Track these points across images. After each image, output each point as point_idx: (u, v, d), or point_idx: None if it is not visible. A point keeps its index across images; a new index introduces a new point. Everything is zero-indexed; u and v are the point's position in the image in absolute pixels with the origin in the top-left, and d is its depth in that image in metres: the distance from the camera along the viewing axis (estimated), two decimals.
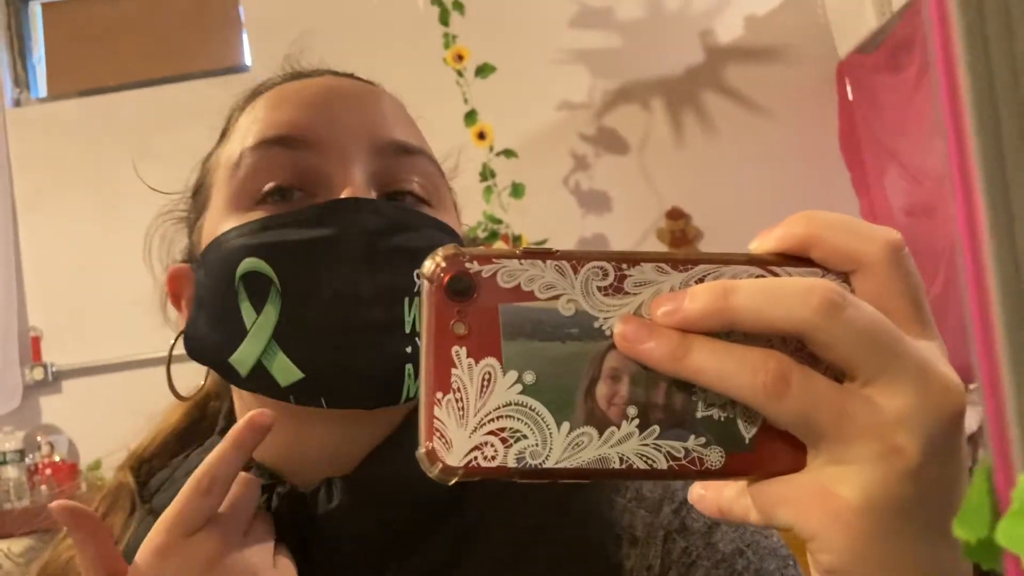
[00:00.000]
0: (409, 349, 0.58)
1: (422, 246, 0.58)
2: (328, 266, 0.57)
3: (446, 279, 0.32)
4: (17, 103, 3.23)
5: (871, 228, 0.33)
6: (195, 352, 0.64)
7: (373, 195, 0.60)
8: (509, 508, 0.61)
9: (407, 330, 0.58)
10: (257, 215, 0.60)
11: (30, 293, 3.04)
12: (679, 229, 2.95)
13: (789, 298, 0.30)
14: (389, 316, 0.57)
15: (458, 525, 0.62)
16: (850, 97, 2.93)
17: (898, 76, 2.60)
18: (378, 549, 0.59)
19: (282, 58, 0.71)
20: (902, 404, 0.30)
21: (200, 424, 0.74)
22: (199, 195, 0.68)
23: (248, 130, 0.62)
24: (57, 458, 2.81)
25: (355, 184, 0.59)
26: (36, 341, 3.01)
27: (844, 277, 0.33)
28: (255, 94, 0.66)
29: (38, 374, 2.96)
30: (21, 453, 2.80)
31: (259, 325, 0.58)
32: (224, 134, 0.68)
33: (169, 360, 0.68)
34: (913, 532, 0.31)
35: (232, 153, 0.63)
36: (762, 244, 0.34)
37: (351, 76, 0.68)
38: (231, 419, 0.68)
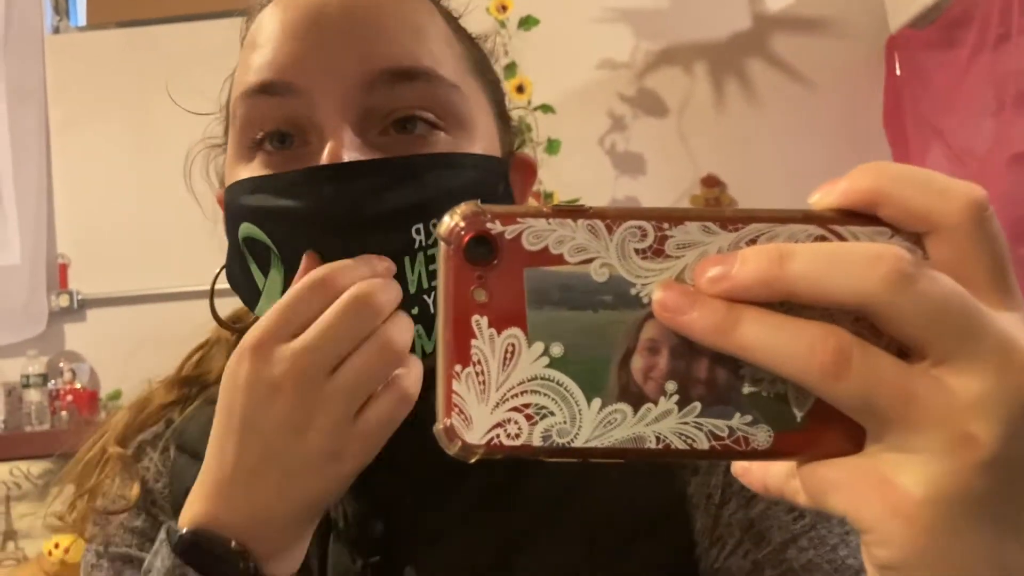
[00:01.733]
0: (416, 310, 0.55)
1: (418, 199, 0.56)
2: (315, 238, 0.55)
3: (465, 240, 0.29)
4: (56, 30, 3.22)
5: (950, 183, 0.29)
6: (232, 287, 0.65)
7: (358, 143, 0.56)
8: None
9: (411, 290, 0.55)
10: (260, 167, 0.58)
11: (60, 220, 3.05)
12: (713, 197, 2.91)
13: (854, 267, 0.27)
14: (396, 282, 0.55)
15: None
16: (898, 73, 2.86)
17: (950, 53, 2.53)
18: (433, 475, 0.58)
19: None
20: (978, 387, 0.27)
21: (186, 401, 0.75)
22: (226, 120, 0.68)
23: (244, 65, 0.60)
24: (78, 385, 2.84)
25: (337, 137, 0.55)
26: (63, 268, 3.02)
27: (917, 239, 0.29)
28: (261, 5, 0.64)
29: (64, 301, 2.97)
30: (44, 378, 2.83)
31: (268, 287, 0.58)
32: (242, 41, 0.66)
33: (214, 284, 0.68)
34: (982, 529, 0.28)
35: (236, 85, 0.61)
36: (824, 198, 0.30)
37: None
38: None
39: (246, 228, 0.58)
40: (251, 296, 0.61)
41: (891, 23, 2.92)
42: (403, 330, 0.50)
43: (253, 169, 0.59)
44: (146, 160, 2.95)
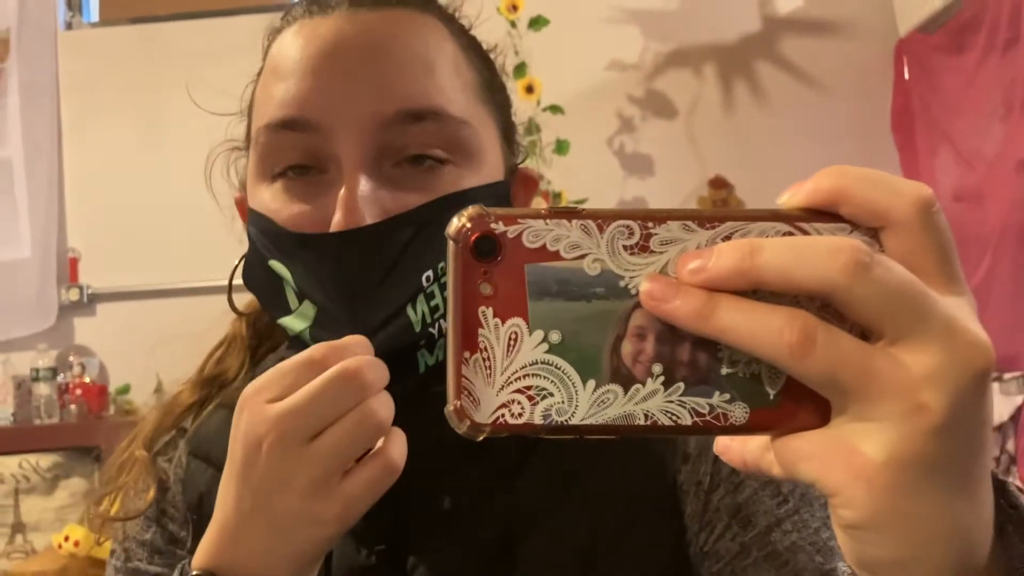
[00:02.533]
0: (422, 341, 0.60)
1: (428, 247, 0.60)
2: (331, 294, 0.60)
3: (472, 240, 0.33)
4: (69, 26, 3.24)
5: (901, 183, 0.32)
6: (249, 287, 0.68)
7: (371, 185, 0.60)
8: None
9: (417, 329, 0.60)
10: (281, 192, 0.63)
11: (70, 215, 3.08)
12: (721, 198, 2.92)
13: (815, 258, 0.30)
14: (398, 326, 0.59)
15: (523, 436, 0.63)
16: (907, 76, 2.87)
17: (960, 57, 2.54)
18: (446, 450, 0.59)
19: None
20: (928, 362, 0.30)
21: (207, 402, 0.77)
22: (247, 126, 0.71)
23: (265, 94, 0.64)
24: (87, 379, 2.86)
25: (354, 182, 0.59)
26: (74, 262, 3.05)
27: (873, 233, 0.32)
28: (282, 24, 0.67)
29: (74, 295, 3.00)
30: (53, 371, 2.85)
31: (301, 312, 0.62)
32: (264, 58, 0.68)
33: (232, 277, 0.72)
34: (936, 489, 0.31)
35: (258, 109, 0.65)
36: (792, 199, 0.33)
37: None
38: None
39: (276, 266, 0.63)
40: (274, 304, 0.65)
41: (900, 26, 2.92)
42: (385, 405, 0.53)
43: (275, 192, 0.63)
44: (156, 155, 2.98)
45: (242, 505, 0.53)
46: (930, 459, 0.30)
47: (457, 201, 0.61)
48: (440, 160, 0.62)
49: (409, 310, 0.60)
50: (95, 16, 3.33)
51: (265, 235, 0.63)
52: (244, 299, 0.75)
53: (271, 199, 0.63)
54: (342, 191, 0.59)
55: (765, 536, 0.61)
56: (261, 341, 0.80)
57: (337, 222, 0.59)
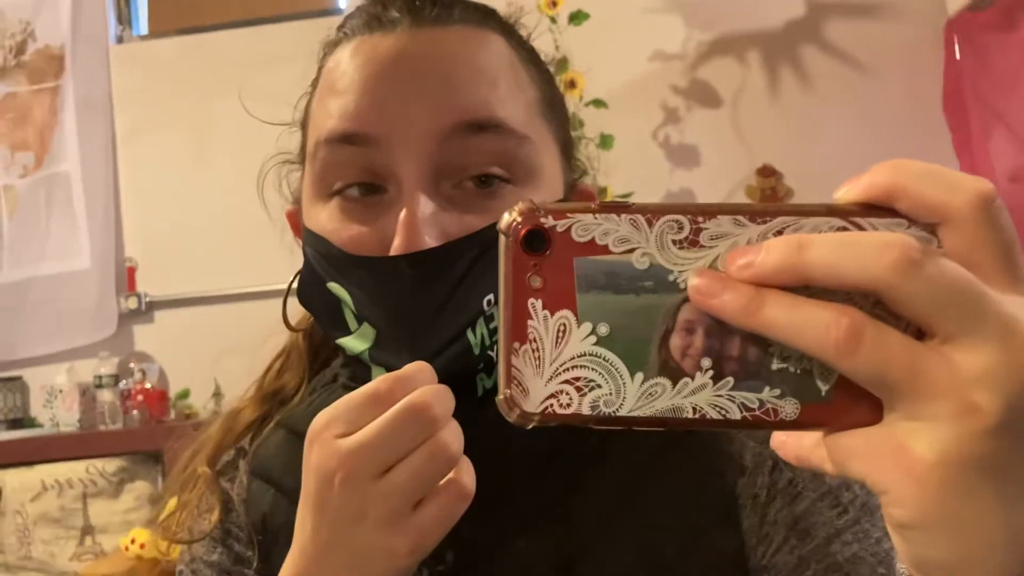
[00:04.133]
0: (481, 365, 0.60)
1: (485, 274, 0.59)
2: (391, 318, 0.60)
3: (522, 234, 0.33)
4: (120, 40, 3.31)
5: (960, 178, 0.32)
6: (305, 306, 0.68)
7: (431, 205, 0.59)
8: (627, 437, 0.63)
9: (476, 352, 0.59)
10: (337, 211, 0.62)
11: (127, 225, 3.14)
12: (769, 187, 2.89)
13: (864, 254, 0.30)
14: (457, 350, 0.59)
15: (583, 449, 0.64)
16: (957, 56, 2.80)
17: (1011, 35, 2.48)
18: (504, 472, 0.60)
19: None
20: (982, 362, 0.30)
21: (267, 419, 0.77)
22: (303, 141, 0.71)
23: (324, 108, 0.63)
24: (148, 385, 2.92)
25: (414, 203, 0.59)
26: (131, 271, 3.11)
27: (931, 229, 0.32)
28: (338, 38, 0.67)
29: (132, 303, 3.06)
30: (115, 378, 2.92)
31: (361, 334, 0.62)
32: (318, 71, 0.68)
33: (286, 294, 0.72)
34: (990, 492, 0.30)
35: (315, 124, 0.64)
36: (847, 194, 0.33)
37: (437, 9, 0.65)
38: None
39: (335, 288, 0.63)
40: (333, 324, 0.64)
41: (949, 6, 2.86)
42: (456, 437, 0.52)
43: (332, 212, 0.62)
44: (208, 164, 3.03)
45: (319, 537, 0.53)
46: (983, 461, 0.30)
47: None
48: (501, 179, 0.61)
49: (469, 334, 0.59)
50: (144, 29, 3.39)
51: (323, 257, 0.63)
52: (297, 311, 0.76)
53: (328, 219, 0.62)
54: (402, 213, 0.58)
55: (824, 548, 0.60)
56: (318, 353, 0.80)
57: (397, 245, 0.58)
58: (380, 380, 0.52)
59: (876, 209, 0.32)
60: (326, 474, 0.51)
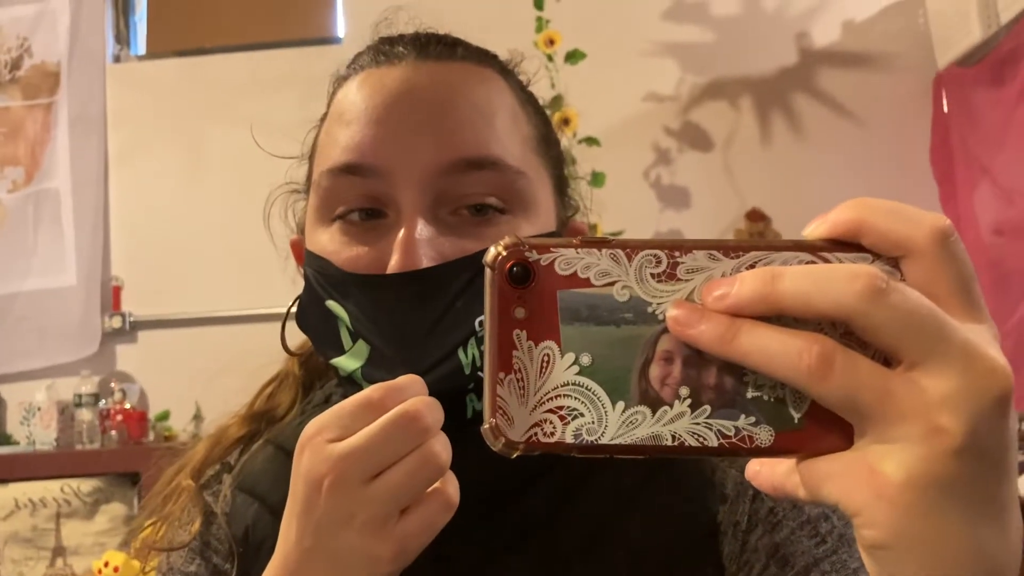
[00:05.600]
0: (471, 385, 0.61)
1: (479, 295, 0.60)
2: (385, 334, 0.61)
3: (508, 267, 0.34)
4: (117, 59, 3.32)
5: (919, 214, 0.33)
6: (302, 328, 0.70)
7: (430, 229, 0.61)
8: (613, 462, 0.63)
9: (467, 372, 0.61)
10: (339, 234, 0.64)
11: (115, 244, 3.14)
12: (758, 231, 2.91)
13: (833, 284, 0.32)
14: (448, 368, 0.60)
15: (568, 472, 0.65)
16: (945, 110, 2.85)
17: (999, 91, 2.52)
18: (481, 498, 0.60)
19: (374, 32, 0.73)
20: (946, 386, 0.31)
21: (255, 437, 0.79)
22: (308, 170, 0.73)
23: (330, 139, 0.66)
24: (128, 405, 2.90)
25: (413, 224, 0.61)
26: (117, 291, 3.10)
27: (894, 263, 0.34)
28: (348, 72, 0.69)
29: (116, 323, 3.05)
30: (96, 397, 2.90)
31: (355, 352, 0.63)
32: (328, 104, 0.70)
33: (285, 318, 0.74)
34: (957, 512, 0.31)
35: (321, 154, 0.67)
36: (815, 230, 0.35)
37: (440, 47, 0.68)
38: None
39: (332, 306, 0.64)
40: (328, 344, 0.65)
41: (939, 60, 2.91)
42: (445, 447, 0.53)
43: (333, 235, 0.64)
44: (199, 187, 3.03)
45: (303, 542, 0.53)
46: (950, 481, 0.31)
47: None
48: (497, 209, 0.63)
49: (460, 353, 0.60)
50: (142, 49, 3.40)
51: (322, 276, 0.64)
52: (294, 338, 0.77)
53: (329, 241, 0.64)
54: (400, 233, 0.61)
55: None
56: (313, 380, 0.81)
57: (395, 264, 0.60)
58: (373, 388, 0.53)
59: (842, 244, 0.34)
60: (315, 478, 0.52)
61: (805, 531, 0.63)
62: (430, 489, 0.53)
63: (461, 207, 0.63)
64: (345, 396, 0.68)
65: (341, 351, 0.64)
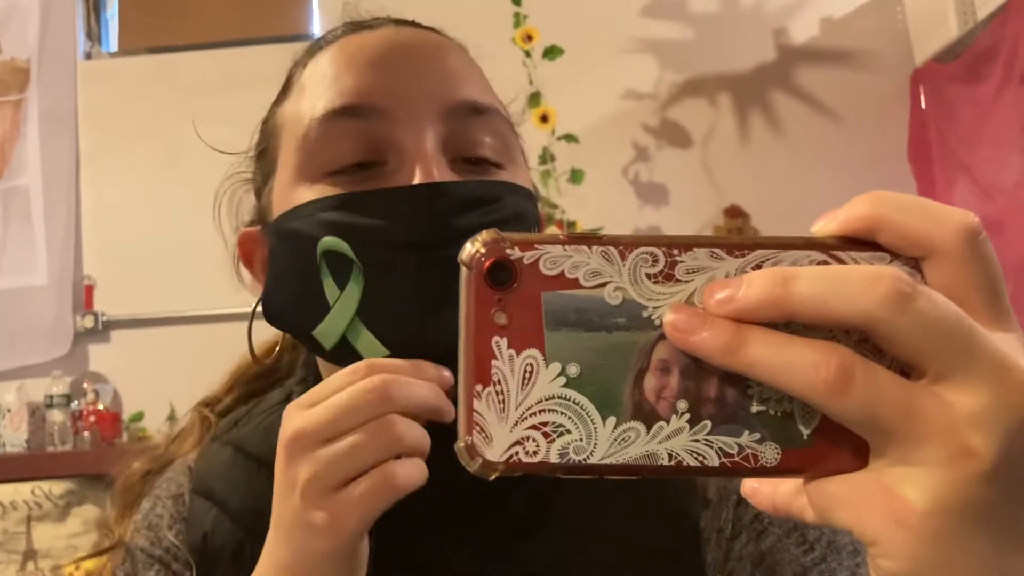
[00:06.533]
0: None
1: (501, 217, 0.58)
2: (405, 254, 0.56)
3: (486, 266, 0.31)
4: (88, 56, 3.27)
5: (945, 210, 0.30)
6: (274, 320, 0.65)
7: (444, 164, 0.58)
8: None
9: None
10: (330, 188, 0.59)
11: (87, 242, 3.09)
12: (736, 227, 2.91)
13: (853, 287, 0.28)
14: None
15: (544, 482, 0.62)
16: (923, 106, 2.85)
17: (977, 87, 2.52)
18: (454, 511, 0.59)
19: (343, 15, 0.71)
20: (976, 402, 0.28)
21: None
22: (264, 157, 0.68)
23: (315, 94, 0.61)
24: (101, 406, 2.86)
25: (426, 157, 0.57)
26: (89, 290, 3.05)
27: (914, 263, 0.30)
28: (316, 48, 0.66)
29: (89, 322, 3.00)
30: (68, 398, 2.84)
31: (342, 302, 0.58)
32: (285, 90, 0.67)
33: (251, 324, 0.70)
34: (984, 540, 0.28)
35: (299, 117, 0.62)
36: (825, 227, 0.31)
37: (413, 24, 0.66)
38: (311, 368, 0.68)
39: (329, 242, 0.58)
40: (306, 315, 0.61)
41: (916, 56, 2.91)
42: (411, 428, 0.51)
43: (321, 189, 0.60)
44: (172, 184, 2.99)
45: (273, 512, 0.53)
46: (977, 507, 0.28)
47: (521, 191, 0.62)
48: (492, 163, 0.61)
49: None
50: (114, 46, 3.36)
51: (315, 216, 0.59)
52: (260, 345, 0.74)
53: (317, 195, 0.60)
54: (418, 161, 0.58)
55: None
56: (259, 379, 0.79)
57: (419, 178, 0.57)
58: (359, 363, 0.52)
59: (856, 243, 0.31)
60: (282, 441, 0.51)
61: (792, 538, 0.60)
62: (380, 467, 0.50)
63: (459, 157, 0.60)
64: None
65: (324, 310, 0.59)
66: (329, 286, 0.59)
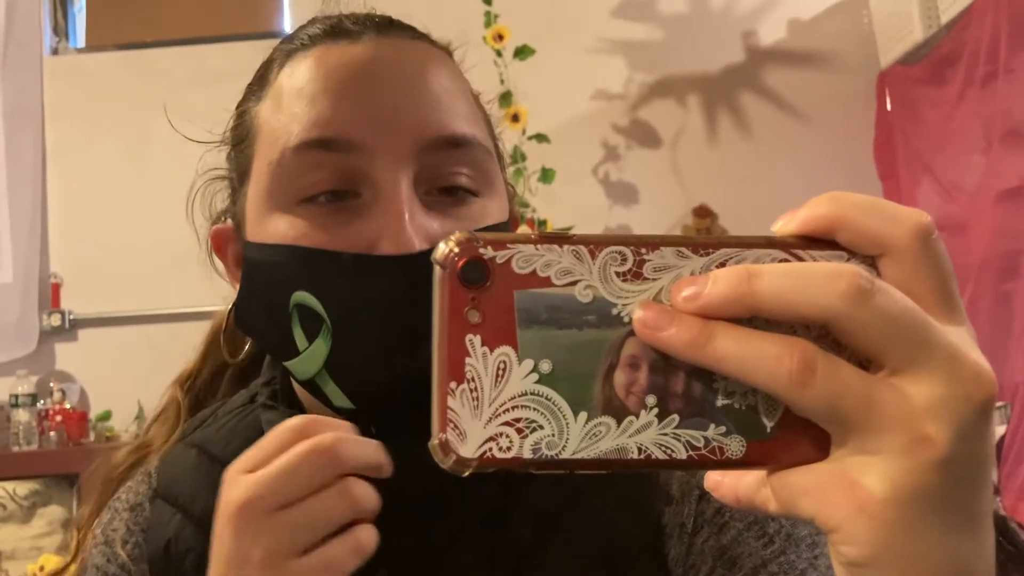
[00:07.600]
0: None
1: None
2: (374, 319, 0.57)
3: (459, 265, 0.31)
4: (55, 51, 3.24)
5: (900, 210, 0.31)
6: (246, 332, 0.66)
7: (417, 204, 0.58)
8: None
9: None
10: (302, 221, 0.59)
11: (53, 240, 3.06)
12: (704, 227, 2.93)
13: (815, 283, 0.29)
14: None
15: (506, 477, 0.63)
16: (888, 108, 2.89)
17: (940, 90, 2.56)
18: (428, 499, 0.59)
19: (322, 7, 0.70)
20: (931, 393, 0.29)
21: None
22: (240, 153, 0.66)
23: (290, 113, 0.60)
24: (68, 406, 2.83)
25: (400, 200, 0.57)
26: (56, 288, 3.03)
27: (871, 261, 0.31)
28: (294, 48, 0.64)
29: (55, 320, 2.97)
30: (33, 397, 2.81)
31: (312, 352, 0.59)
32: (261, 84, 0.66)
33: (227, 326, 0.70)
34: (940, 525, 0.30)
35: (274, 135, 0.61)
36: (785, 226, 0.32)
37: (397, 28, 0.65)
38: (280, 370, 0.67)
39: (300, 296, 0.59)
40: (281, 347, 0.61)
41: (882, 58, 2.96)
42: (365, 490, 0.51)
43: (294, 221, 0.59)
44: (141, 182, 2.97)
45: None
46: (934, 493, 0.29)
47: (496, 231, 0.61)
48: (469, 191, 0.61)
49: None
50: (81, 42, 3.32)
51: (283, 266, 0.60)
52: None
53: (290, 227, 0.59)
54: (389, 214, 0.57)
55: None
56: (204, 400, 0.78)
57: (391, 245, 0.56)
58: (296, 419, 0.51)
59: (815, 241, 0.32)
60: (224, 508, 0.50)
61: (752, 532, 0.61)
62: (348, 532, 0.50)
63: (433, 188, 0.60)
64: (273, 395, 0.66)
65: (294, 353, 0.60)
66: (299, 335, 0.59)
